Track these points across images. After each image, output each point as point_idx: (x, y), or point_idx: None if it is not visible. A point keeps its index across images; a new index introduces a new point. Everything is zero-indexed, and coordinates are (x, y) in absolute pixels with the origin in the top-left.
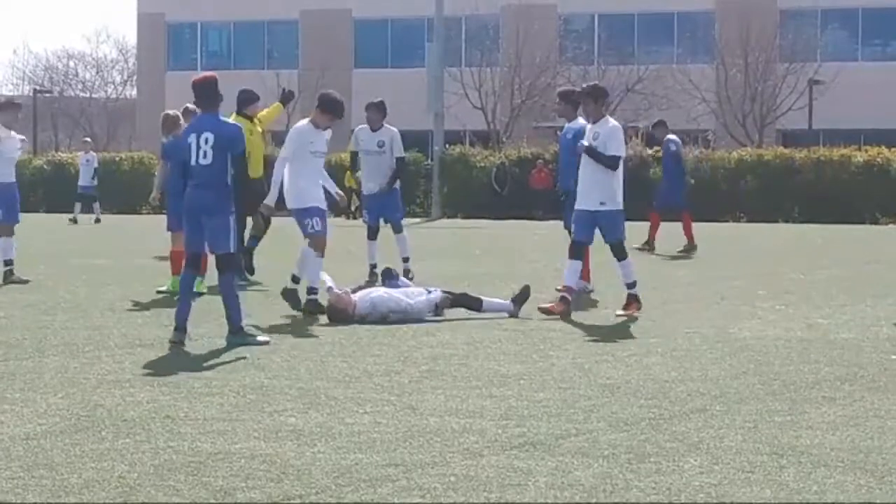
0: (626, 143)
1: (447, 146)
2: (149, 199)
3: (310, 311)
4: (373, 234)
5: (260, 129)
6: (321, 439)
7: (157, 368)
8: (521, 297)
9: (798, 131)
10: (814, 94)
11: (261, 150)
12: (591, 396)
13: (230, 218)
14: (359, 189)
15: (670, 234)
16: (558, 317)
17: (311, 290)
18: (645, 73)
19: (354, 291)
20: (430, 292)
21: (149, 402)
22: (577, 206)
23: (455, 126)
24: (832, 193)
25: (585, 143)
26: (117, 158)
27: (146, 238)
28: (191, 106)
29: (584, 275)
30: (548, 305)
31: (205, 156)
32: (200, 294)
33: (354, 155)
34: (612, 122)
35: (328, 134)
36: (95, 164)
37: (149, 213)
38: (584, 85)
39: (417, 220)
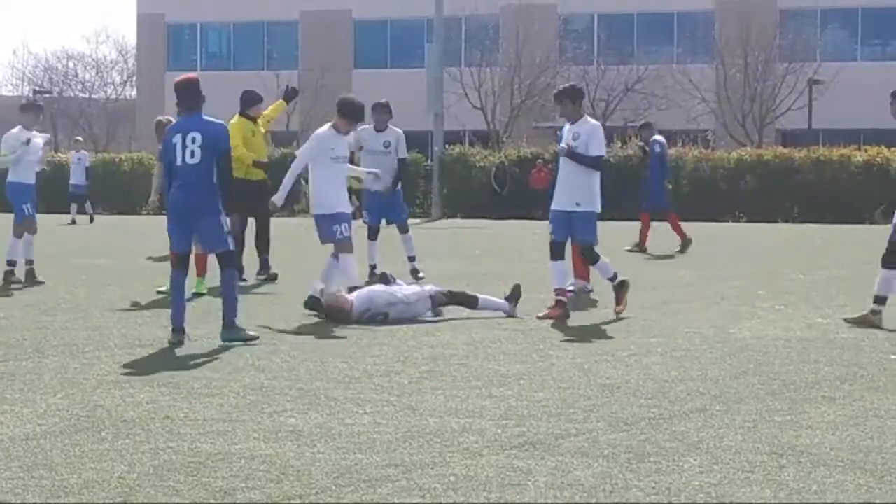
0: (626, 142)
1: (447, 146)
2: (147, 202)
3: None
4: (373, 234)
5: (263, 130)
6: (321, 440)
7: (157, 369)
8: (514, 296)
9: (798, 131)
10: (813, 94)
11: (264, 151)
12: (591, 396)
13: (221, 216)
14: (359, 189)
15: (664, 234)
16: (546, 318)
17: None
18: (645, 73)
19: (350, 291)
20: (420, 287)
21: (148, 402)
22: (553, 207)
23: (455, 126)
24: (832, 193)
25: (565, 144)
26: (117, 159)
27: (146, 238)
28: None
29: (584, 275)
30: (545, 313)
31: (192, 155)
32: (201, 294)
33: (351, 155)
34: (591, 121)
35: (350, 137)
36: (87, 163)
37: (147, 215)
38: (561, 86)
39: (417, 220)
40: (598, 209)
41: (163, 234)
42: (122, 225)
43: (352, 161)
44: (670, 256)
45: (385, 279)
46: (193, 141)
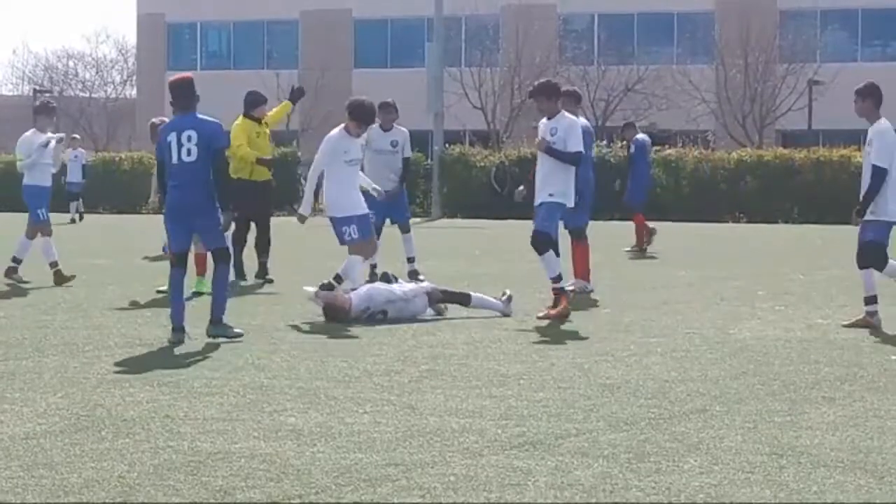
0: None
1: (447, 146)
2: (147, 202)
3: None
4: (376, 233)
5: (267, 131)
6: (321, 439)
7: (157, 368)
8: (507, 298)
9: (798, 132)
10: (813, 95)
11: (268, 152)
12: (591, 396)
13: (218, 213)
14: (364, 189)
15: (663, 234)
16: (545, 318)
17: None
18: (645, 73)
19: (348, 291)
20: (418, 285)
21: (148, 401)
22: (535, 202)
23: (455, 126)
24: (832, 194)
25: (540, 138)
26: (117, 158)
27: (146, 238)
28: None
29: (584, 275)
30: (545, 313)
31: (188, 153)
32: (201, 294)
33: None
34: (568, 117)
35: (362, 139)
36: (84, 161)
37: (148, 214)
38: (535, 83)
39: (417, 220)
40: (570, 204)
41: (161, 233)
42: (121, 224)
43: None
44: (670, 257)
45: (386, 278)
46: (189, 139)
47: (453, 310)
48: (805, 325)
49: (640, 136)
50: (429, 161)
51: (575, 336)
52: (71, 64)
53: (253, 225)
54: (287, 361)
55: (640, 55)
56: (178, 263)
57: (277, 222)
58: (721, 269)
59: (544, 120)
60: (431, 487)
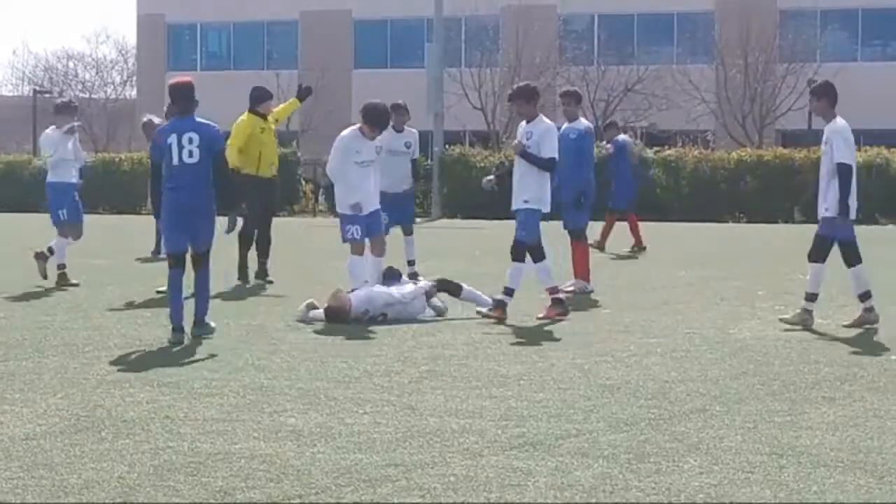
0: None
1: (447, 147)
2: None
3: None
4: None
5: (273, 127)
6: (321, 440)
7: (157, 369)
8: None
9: (797, 131)
10: None
11: (274, 148)
12: (591, 397)
13: (215, 216)
14: None
15: (663, 234)
16: (546, 320)
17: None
18: (645, 73)
19: (350, 291)
20: (415, 284)
21: (148, 402)
22: (512, 207)
23: (455, 127)
24: None
25: (516, 141)
26: (117, 159)
27: (146, 239)
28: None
29: (584, 275)
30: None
31: (190, 155)
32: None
33: None
34: (546, 121)
35: (378, 141)
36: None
37: (148, 214)
38: (514, 86)
39: (417, 220)
40: (546, 209)
41: (153, 235)
42: (121, 225)
43: None
44: (671, 257)
45: (391, 273)
46: (191, 141)
47: (453, 310)
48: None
49: (621, 136)
50: (429, 161)
51: (575, 336)
52: (71, 64)
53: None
54: (287, 362)
55: (639, 55)
56: (177, 265)
57: (277, 222)
58: (721, 269)
59: (523, 123)
60: (431, 488)
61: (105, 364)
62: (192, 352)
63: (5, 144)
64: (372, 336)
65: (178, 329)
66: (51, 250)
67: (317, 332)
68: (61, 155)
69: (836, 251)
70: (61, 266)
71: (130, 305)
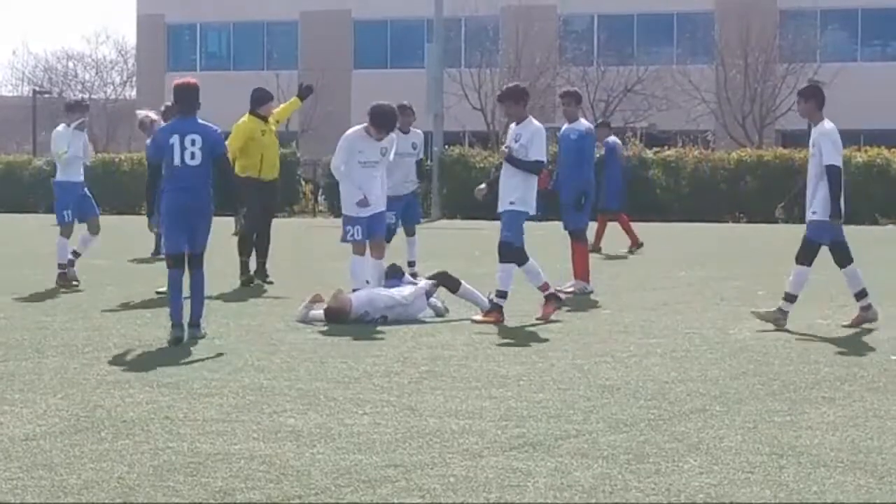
0: (626, 143)
1: (446, 147)
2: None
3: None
4: (390, 235)
5: (274, 129)
6: (320, 440)
7: (157, 369)
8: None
9: (798, 132)
10: None
11: (275, 149)
12: (591, 397)
13: (212, 217)
14: None
15: (663, 234)
16: (545, 320)
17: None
18: (644, 73)
19: (352, 292)
20: (415, 285)
21: (148, 402)
22: (498, 209)
23: (454, 127)
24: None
25: (505, 147)
26: (116, 159)
27: (146, 239)
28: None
29: (584, 276)
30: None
31: (192, 157)
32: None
33: None
34: (535, 123)
35: (387, 142)
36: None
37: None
38: (504, 87)
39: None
40: (532, 211)
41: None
42: (121, 225)
43: None
44: (671, 257)
45: (394, 269)
46: (193, 143)
47: (454, 311)
48: (805, 325)
49: (612, 137)
50: (429, 162)
51: (575, 337)
52: (71, 65)
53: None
54: (287, 363)
55: (639, 56)
56: (176, 265)
57: (277, 223)
58: (721, 270)
59: (513, 125)
60: (431, 488)
61: (105, 364)
62: (191, 352)
63: (5, 145)
64: (371, 336)
65: (177, 325)
66: (75, 253)
67: (316, 332)
68: (74, 152)
69: (826, 252)
70: (62, 266)
71: (130, 306)
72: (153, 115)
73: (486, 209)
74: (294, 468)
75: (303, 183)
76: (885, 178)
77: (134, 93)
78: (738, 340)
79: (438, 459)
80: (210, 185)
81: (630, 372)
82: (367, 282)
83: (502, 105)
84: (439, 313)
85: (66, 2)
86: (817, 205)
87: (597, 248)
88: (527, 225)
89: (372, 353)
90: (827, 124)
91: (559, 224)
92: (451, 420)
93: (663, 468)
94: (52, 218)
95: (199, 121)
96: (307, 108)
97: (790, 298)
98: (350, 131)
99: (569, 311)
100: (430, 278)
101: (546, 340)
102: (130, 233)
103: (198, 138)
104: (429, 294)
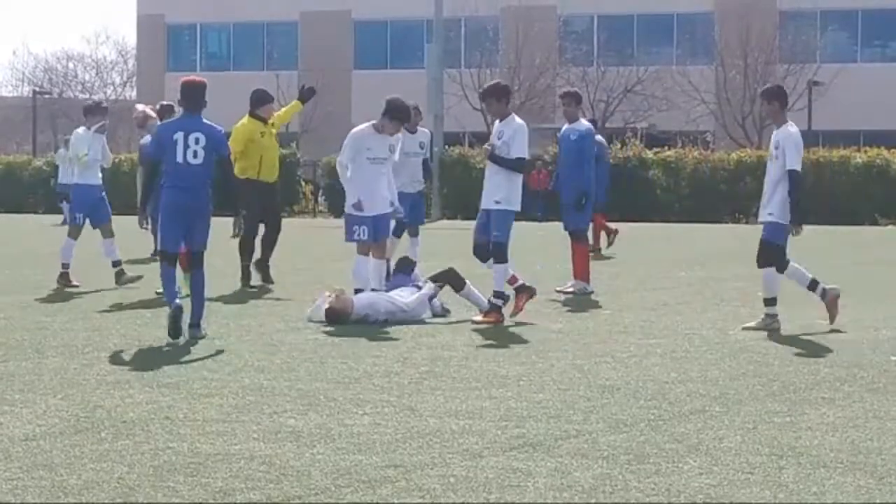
0: (626, 143)
1: (447, 147)
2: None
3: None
4: (398, 231)
5: (273, 131)
6: (320, 440)
7: (157, 369)
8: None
9: None
10: (813, 96)
11: (275, 151)
12: (591, 398)
13: (211, 217)
14: None
15: (663, 235)
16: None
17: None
18: (644, 74)
19: (355, 293)
20: (419, 288)
21: (148, 403)
22: (482, 206)
23: (454, 128)
24: (831, 195)
25: (488, 145)
26: (116, 160)
27: (145, 239)
28: (166, 103)
29: (584, 276)
30: (512, 309)
31: (195, 155)
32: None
33: None
34: (517, 121)
35: (395, 139)
36: None
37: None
38: (485, 85)
39: None
40: (517, 208)
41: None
42: (121, 226)
43: None
44: (671, 257)
45: (407, 263)
46: (197, 142)
47: (454, 312)
48: (804, 326)
49: (598, 137)
50: (431, 162)
51: (575, 337)
52: (71, 65)
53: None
54: (287, 363)
55: (639, 56)
56: (170, 261)
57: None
58: (721, 270)
59: (497, 122)
60: (431, 489)
61: (105, 365)
62: (191, 353)
63: (5, 145)
64: (371, 337)
65: (174, 304)
66: (115, 263)
67: (316, 333)
68: (93, 155)
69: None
70: (65, 266)
71: (130, 306)
72: (150, 111)
73: None
74: (294, 468)
75: (303, 183)
76: (884, 179)
77: (134, 93)
78: (737, 341)
79: (438, 459)
80: (209, 185)
81: (630, 372)
82: (374, 289)
83: (485, 103)
84: (439, 314)
85: (66, 2)
86: (774, 206)
87: (596, 249)
88: (527, 226)
89: (372, 354)
90: (791, 127)
91: (559, 224)
92: (451, 420)
93: (663, 468)
94: (53, 218)
95: (205, 120)
96: (307, 109)
97: (770, 303)
98: (356, 129)
99: (569, 311)
100: (435, 278)
101: (546, 341)
102: (130, 233)
103: (202, 137)
104: (431, 299)
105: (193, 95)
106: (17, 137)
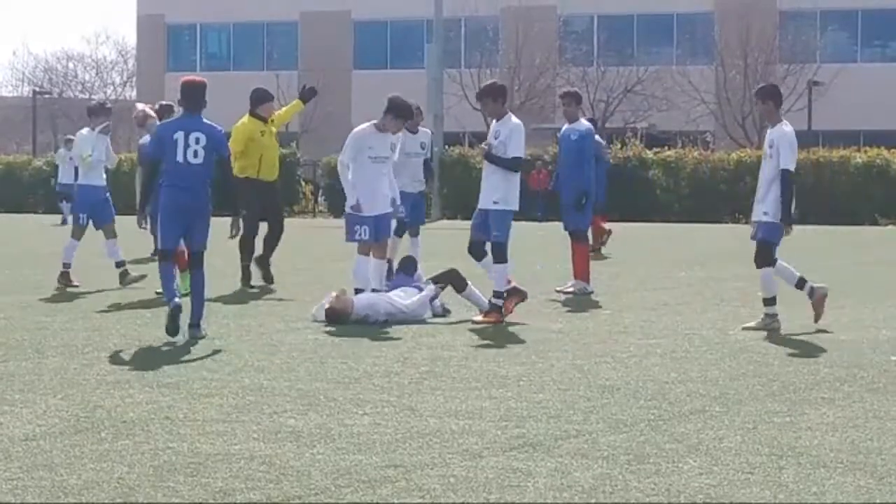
0: (626, 143)
1: (447, 148)
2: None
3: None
4: (399, 231)
5: (273, 130)
6: (320, 440)
7: (157, 369)
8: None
9: (797, 132)
10: (813, 96)
11: (275, 151)
12: (591, 398)
13: (210, 216)
14: None
15: (663, 235)
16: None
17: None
18: (644, 74)
19: (356, 293)
20: (420, 290)
21: (148, 403)
22: (479, 205)
23: (454, 128)
24: (831, 195)
25: (485, 144)
26: (117, 160)
27: (145, 239)
28: (165, 103)
29: (584, 276)
30: (504, 312)
31: (195, 155)
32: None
33: None
34: (514, 120)
35: (396, 138)
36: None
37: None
38: (482, 85)
39: None
40: (516, 208)
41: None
42: (120, 226)
43: None
44: (671, 257)
45: (409, 262)
46: (197, 141)
47: (454, 312)
48: (805, 326)
49: (596, 137)
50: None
51: (575, 337)
52: (71, 65)
53: (259, 225)
54: (287, 363)
55: (639, 56)
56: (168, 259)
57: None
58: (721, 270)
59: (493, 122)
60: (431, 489)
61: (105, 365)
62: (191, 353)
63: (5, 145)
64: (371, 337)
65: (173, 301)
66: (118, 264)
67: (316, 333)
68: (97, 156)
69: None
70: (66, 265)
71: (130, 306)
72: (150, 110)
73: None
74: (294, 468)
75: (303, 183)
76: (885, 179)
77: (134, 93)
78: (737, 341)
79: (438, 459)
80: (209, 185)
81: (630, 372)
82: (374, 289)
83: (481, 103)
84: (440, 314)
85: (66, 2)
86: (769, 206)
87: (596, 249)
88: (527, 226)
89: (372, 354)
90: (786, 126)
91: (559, 224)
92: (451, 420)
93: (663, 469)
94: (53, 218)
95: (205, 120)
96: (307, 109)
97: (769, 303)
98: (358, 129)
99: (569, 311)
100: (437, 279)
101: (546, 341)
102: (130, 233)
103: (202, 137)
104: (432, 300)
105: (193, 95)
106: (17, 137)
